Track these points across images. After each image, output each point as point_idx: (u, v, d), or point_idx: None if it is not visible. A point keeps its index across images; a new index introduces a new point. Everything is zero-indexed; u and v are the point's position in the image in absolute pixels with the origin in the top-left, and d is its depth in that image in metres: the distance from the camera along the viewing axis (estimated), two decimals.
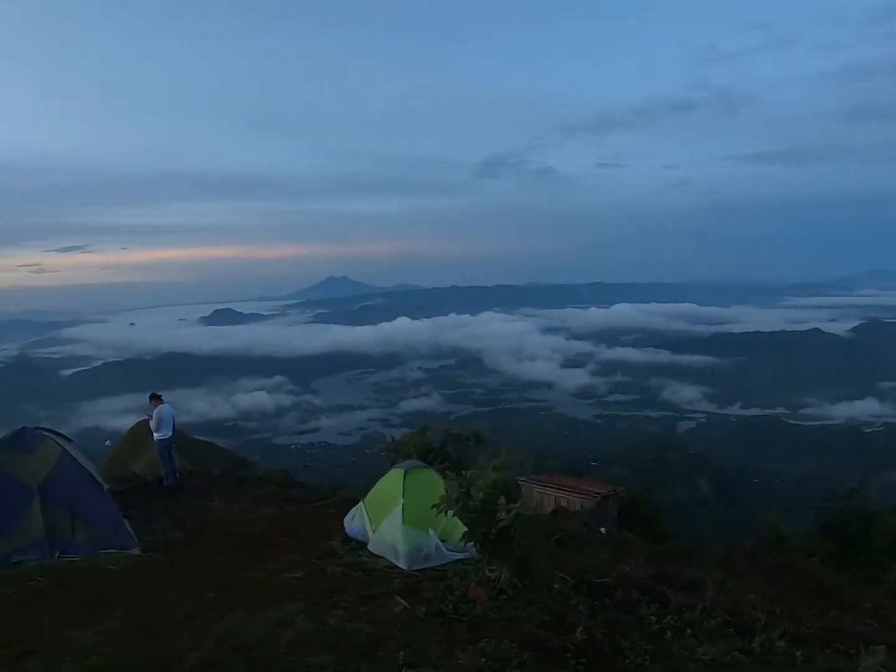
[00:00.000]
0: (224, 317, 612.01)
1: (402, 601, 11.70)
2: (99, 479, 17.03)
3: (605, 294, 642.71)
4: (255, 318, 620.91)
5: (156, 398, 23.16)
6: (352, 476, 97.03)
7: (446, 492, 12.24)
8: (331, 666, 9.33)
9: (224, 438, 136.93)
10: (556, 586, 12.43)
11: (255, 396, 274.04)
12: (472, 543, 12.42)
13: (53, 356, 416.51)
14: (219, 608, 11.88)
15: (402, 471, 15.65)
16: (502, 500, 11.47)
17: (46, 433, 17.16)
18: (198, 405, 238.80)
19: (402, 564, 13.89)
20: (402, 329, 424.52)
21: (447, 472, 13.90)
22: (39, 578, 13.98)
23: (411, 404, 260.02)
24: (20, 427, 16.98)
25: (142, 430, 59.65)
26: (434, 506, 12.43)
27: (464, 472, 12.66)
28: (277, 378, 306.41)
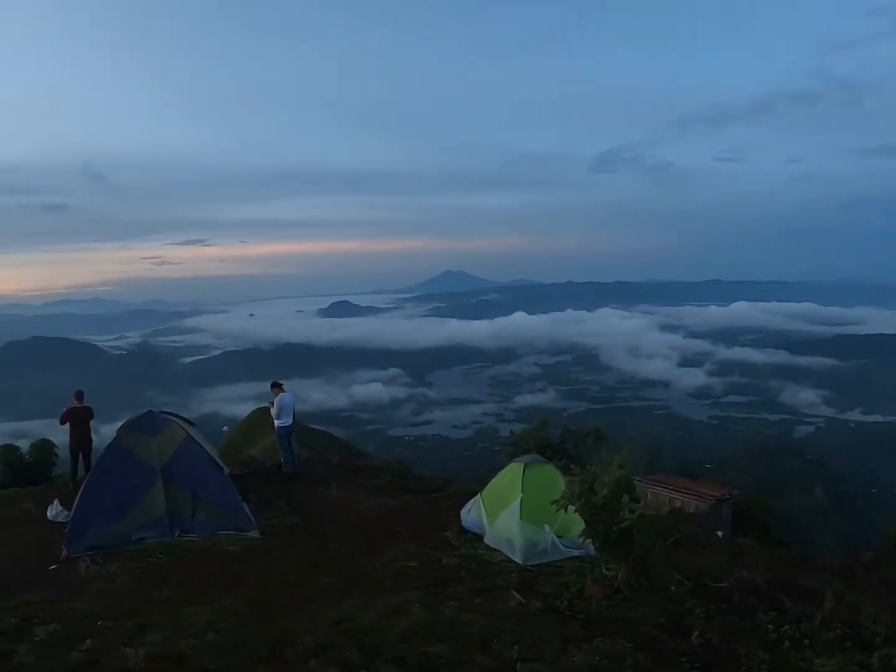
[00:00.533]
0: (342, 309, 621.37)
1: (518, 595, 11.65)
2: (220, 462, 17.41)
3: (723, 292, 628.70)
4: (372, 310, 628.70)
5: (277, 386, 23.58)
6: (464, 469, 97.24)
7: (567, 488, 12.14)
8: (444, 655, 9.34)
9: (339, 428, 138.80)
10: (673, 588, 12.21)
11: (370, 388, 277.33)
12: (589, 541, 12.30)
13: (175, 344, 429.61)
14: (334, 593, 12.04)
15: (522, 465, 15.58)
16: (625, 498, 11.33)
17: (171, 417, 17.65)
18: (314, 395, 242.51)
19: (517, 559, 13.84)
20: (519, 324, 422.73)
21: (572, 466, 13.77)
22: (160, 556, 14.44)
23: (526, 399, 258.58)
24: (146, 410, 17.50)
25: (259, 417, 61.06)
26: (554, 501, 12.31)
27: (588, 467, 12.50)
28: (393, 370, 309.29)
